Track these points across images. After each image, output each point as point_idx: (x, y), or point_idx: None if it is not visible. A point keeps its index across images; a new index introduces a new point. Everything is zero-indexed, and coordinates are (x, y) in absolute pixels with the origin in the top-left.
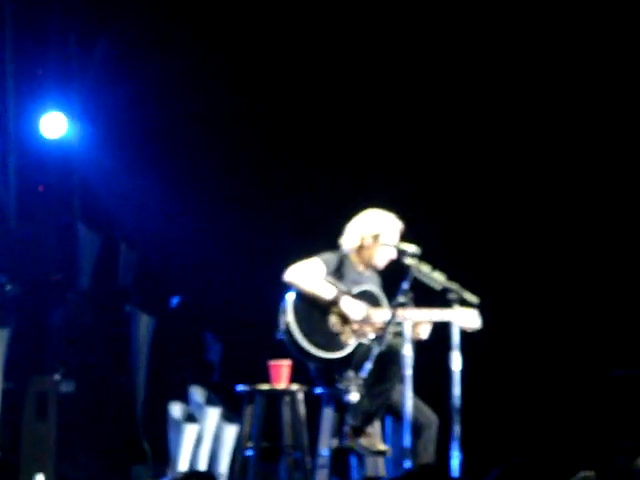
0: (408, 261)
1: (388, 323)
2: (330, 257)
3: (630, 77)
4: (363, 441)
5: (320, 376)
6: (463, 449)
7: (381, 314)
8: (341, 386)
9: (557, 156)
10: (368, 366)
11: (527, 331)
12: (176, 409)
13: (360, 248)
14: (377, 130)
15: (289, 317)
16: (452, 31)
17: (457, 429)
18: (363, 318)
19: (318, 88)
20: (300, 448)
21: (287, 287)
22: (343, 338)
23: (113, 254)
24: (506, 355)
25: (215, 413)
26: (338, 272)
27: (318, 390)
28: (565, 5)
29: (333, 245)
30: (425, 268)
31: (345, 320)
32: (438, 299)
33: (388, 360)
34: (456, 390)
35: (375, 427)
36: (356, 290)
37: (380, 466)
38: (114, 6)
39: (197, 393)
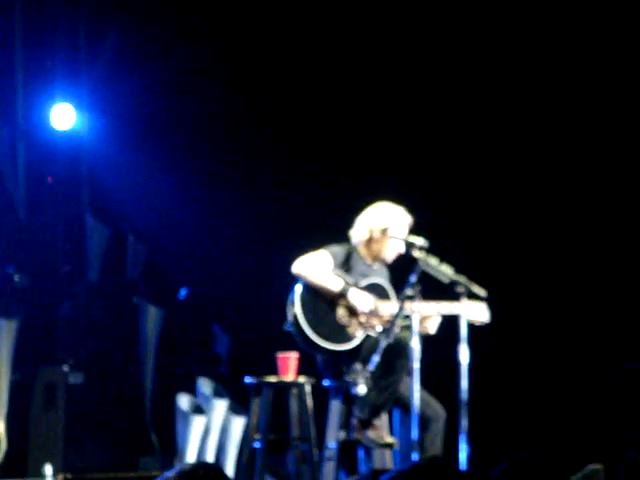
0: (416, 254)
1: (396, 316)
2: (338, 250)
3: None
4: (371, 434)
5: (328, 368)
6: (471, 442)
7: (389, 307)
8: (349, 379)
9: (569, 145)
10: (376, 359)
11: (535, 324)
12: (184, 401)
13: (369, 241)
14: (387, 123)
15: (297, 309)
16: (457, 25)
17: (465, 422)
18: (371, 310)
19: (328, 79)
20: (307, 440)
21: (295, 279)
22: (350, 330)
23: (121, 246)
24: (514, 348)
25: (223, 405)
26: (346, 265)
27: (326, 382)
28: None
29: (342, 238)
30: (433, 261)
31: (353, 312)
32: (446, 292)
33: (396, 353)
34: (464, 383)
35: (382, 420)
36: (364, 283)
37: (387, 459)
38: None
39: (205, 385)
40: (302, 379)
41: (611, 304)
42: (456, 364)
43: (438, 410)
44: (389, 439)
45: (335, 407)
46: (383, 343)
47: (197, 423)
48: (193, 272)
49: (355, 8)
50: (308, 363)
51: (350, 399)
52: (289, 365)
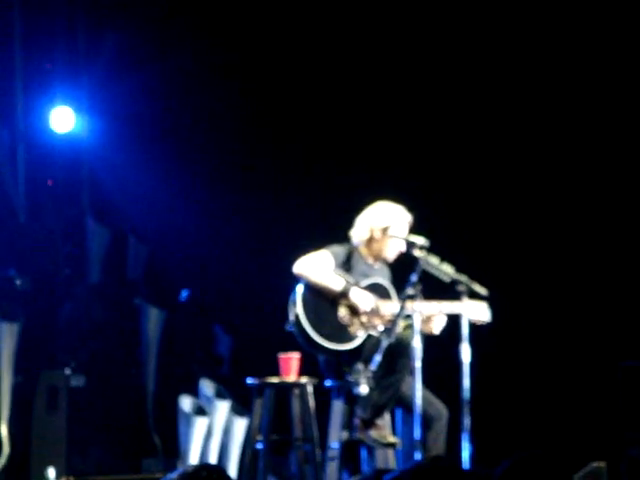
0: (417, 253)
1: (397, 316)
2: (339, 249)
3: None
4: (373, 433)
5: (329, 369)
6: (473, 441)
7: (390, 306)
8: (351, 379)
9: (567, 141)
10: (377, 358)
11: (537, 322)
12: (186, 402)
13: (369, 241)
14: (387, 122)
15: (298, 309)
16: (457, 24)
17: (467, 421)
18: (372, 309)
19: (328, 78)
20: (310, 441)
21: (296, 279)
22: (352, 330)
23: (122, 248)
24: (516, 346)
25: (225, 406)
26: (347, 264)
27: (328, 383)
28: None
29: (343, 238)
30: (434, 260)
31: (354, 312)
32: (447, 291)
33: (398, 352)
34: (466, 382)
35: (385, 419)
36: (365, 282)
37: (390, 458)
38: (122, 0)
39: (207, 386)
40: (304, 379)
41: (613, 302)
42: (458, 363)
43: (440, 409)
44: (392, 439)
45: (337, 407)
46: (385, 343)
47: (199, 424)
48: (194, 273)
49: (353, 7)
50: (310, 363)
51: (352, 399)
52: (291, 366)
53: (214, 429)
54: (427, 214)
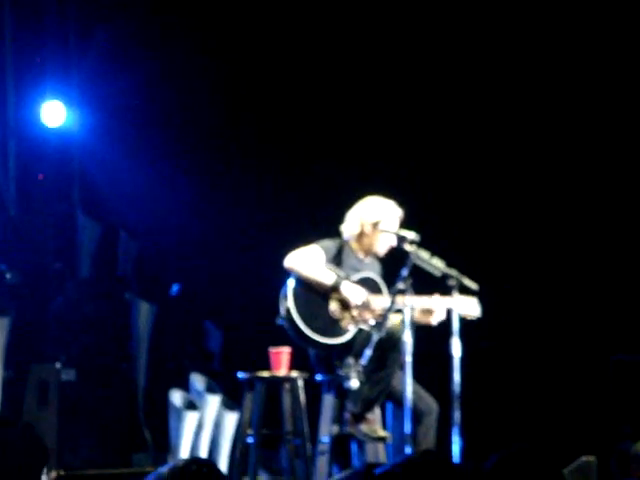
0: (407, 248)
1: (388, 310)
2: (329, 244)
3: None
4: (363, 427)
5: (320, 363)
6: (463, 435)
7: (381, 301)
8: (341, 373)
9: (561, 141)
10: (368, 353)
11: (528, 316)
12: (177, 397)
13: (360, 235)
14: (378, 117)
15: (289, 303)
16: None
17: (457, 415)
18: (363, 303)
19: (320, 74)
20: (300, 435)
21: (287, 273)
22: (343, 324)
23: (113, 242)
24: (506, 341)
25: (215, 400)
26: (337, 259)
27: (318, 377)
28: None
29: (333, 233)
30: (425, 254)
31: (345, 306)
32: (438, 286)
33: (388, 347)
34: (456, 376)
35: (375, 413)
36: (356, 277)
37: (380, 452)
38: None
39: (197, 381)
40: (295, 374)
41: (604, 296)
42: (448, 357)
43: (431, 403)
44: (382, 433)
45: (328, 401)
46: (375, 337)
47: (190, 419)
48: (185, 268)
49: (351, 7)
50: (301, 358)
51: (343, 393)
52: (282, 360)
53: (205, 423)
54: (417, 209)
